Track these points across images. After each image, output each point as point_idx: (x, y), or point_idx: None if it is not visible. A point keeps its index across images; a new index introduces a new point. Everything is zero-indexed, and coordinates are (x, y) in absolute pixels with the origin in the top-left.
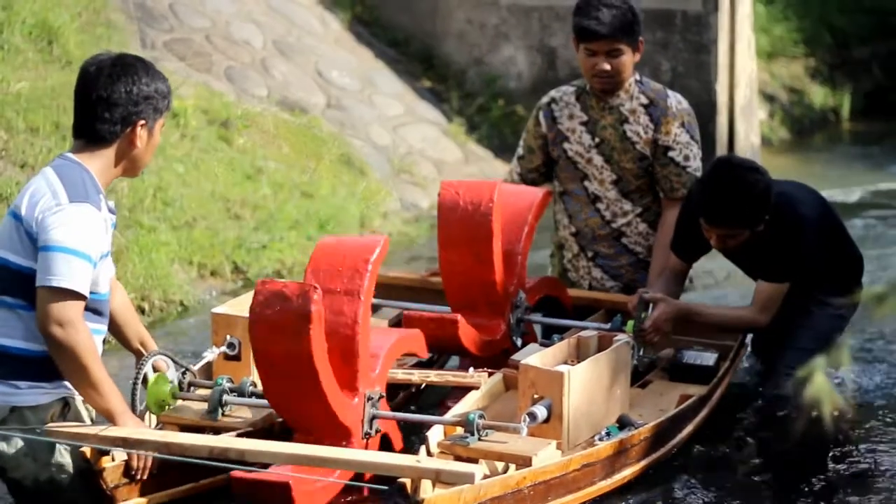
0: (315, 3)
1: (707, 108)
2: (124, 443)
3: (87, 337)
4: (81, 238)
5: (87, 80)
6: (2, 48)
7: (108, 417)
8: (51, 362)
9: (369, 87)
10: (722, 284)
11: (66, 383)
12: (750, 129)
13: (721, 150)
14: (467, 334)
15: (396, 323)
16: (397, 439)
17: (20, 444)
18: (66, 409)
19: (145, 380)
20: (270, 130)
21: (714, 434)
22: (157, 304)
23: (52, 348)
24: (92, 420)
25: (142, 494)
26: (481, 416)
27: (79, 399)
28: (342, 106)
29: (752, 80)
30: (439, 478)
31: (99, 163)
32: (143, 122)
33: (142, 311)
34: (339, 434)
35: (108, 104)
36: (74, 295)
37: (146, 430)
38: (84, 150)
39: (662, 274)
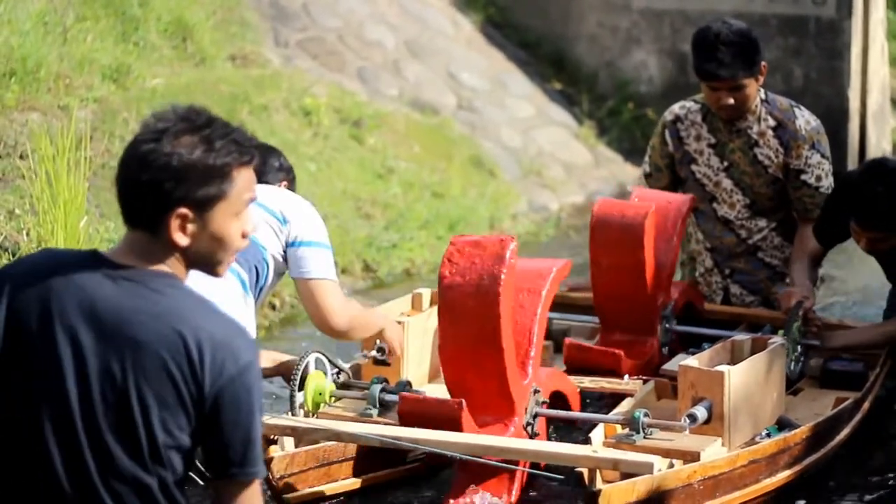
0: (447, 4)
1: (839, 115)
2: (293, 431)
3: None
4: None
5: None
6: (138, 45)
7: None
8: None
9: (500, 89)
10: (854, 294)
11: None
12: (882, 136)
13: (852, 156)
14: (626, 364)
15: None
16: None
17: None
18: None
19: (303, 378)
20: (401, 130)
21: (863, 442)
22: (288, 301)
23: None
24: None
25: (307, 487)
26: (646, 415)
27: None
28: (473, 107)
29: (884, 87)
30: (617, 468)
31: None
32: None
33: (272, 307)
34: (504, 408)
35: None
36: None
37: (316, 419)
38: None
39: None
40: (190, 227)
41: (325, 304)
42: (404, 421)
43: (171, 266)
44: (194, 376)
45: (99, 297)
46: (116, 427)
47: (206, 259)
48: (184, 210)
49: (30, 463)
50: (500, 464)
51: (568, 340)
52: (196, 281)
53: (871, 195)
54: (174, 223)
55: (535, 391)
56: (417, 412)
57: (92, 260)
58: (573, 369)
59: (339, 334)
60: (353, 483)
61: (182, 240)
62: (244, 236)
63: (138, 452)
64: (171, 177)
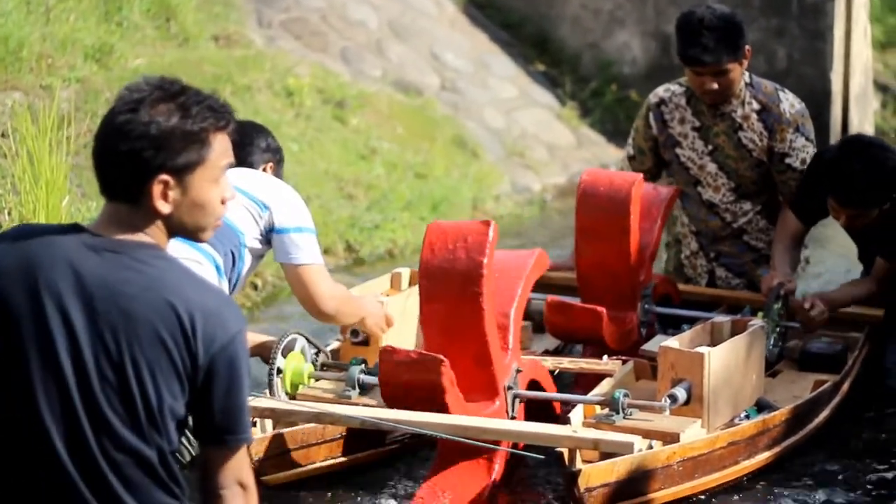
0: None
1: (821, 97)
2: (272, 413)
3: None
4: None
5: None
6: (120, 25)
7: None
8: None
9: (483, 70)
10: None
11: None
12: (864, 118)
13: (835, 138)
14: (608, 327)
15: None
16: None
17: None
18: None
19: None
20: (384, 111)
21: (841, 424)
22: (270, 281)
23: None
24: None
25: (286, 469)
26: (626, 395)
27: None
28: (456, 88)
29: (867, 69)
30: (597, 447)
31: None
32: None
33: (254, 286)
34: (488, 390)
35: None
36: None
37: (296, 401)
38: None
39: (784, 245)
40: (171, 193)
41: (315, 289)
42: None
43: (153, 236)
44: (188, 347)
45: (85, 269)
46: (113, 399)
47: (188, 226)
48: (165, 177)
49: (28, 439)
50: (481, 443)
51: (550, 298)
52: None
53: (848, 172)
54: (156, 190)
55: (508, 387)
56: None
57: (74, 232)
58: (554, 332)
59: (327, 318)
60: (333, 465)
61: (164, 207)
62: (223, 202)
63: (136, 423)
64: (151, 145)
